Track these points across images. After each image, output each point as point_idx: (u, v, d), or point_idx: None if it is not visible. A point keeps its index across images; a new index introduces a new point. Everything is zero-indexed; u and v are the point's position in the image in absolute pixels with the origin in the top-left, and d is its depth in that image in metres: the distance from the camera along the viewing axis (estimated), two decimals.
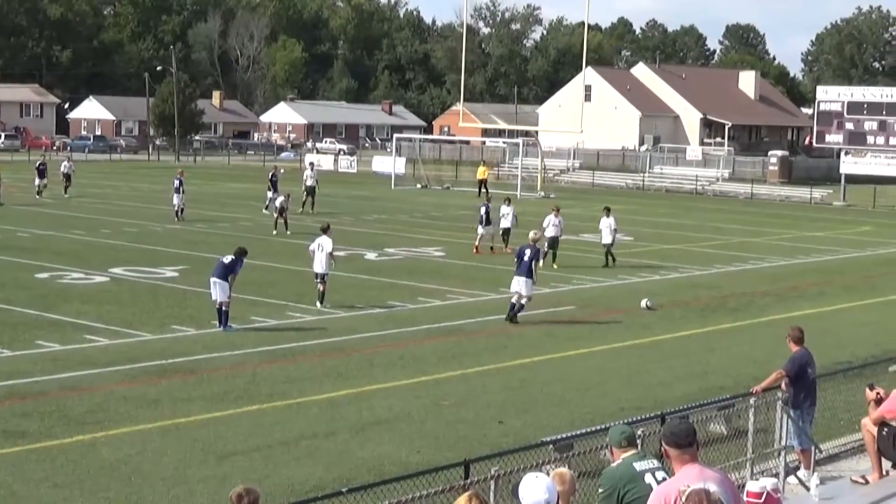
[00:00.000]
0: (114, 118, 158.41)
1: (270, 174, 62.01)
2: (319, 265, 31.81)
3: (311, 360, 25.33)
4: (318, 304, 31.64)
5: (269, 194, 56.69)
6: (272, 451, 18.49)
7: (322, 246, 31.79)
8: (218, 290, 28.38)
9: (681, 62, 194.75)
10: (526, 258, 30.59)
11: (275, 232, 49.70)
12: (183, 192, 55.27)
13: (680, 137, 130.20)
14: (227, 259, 28.91)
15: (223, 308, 28.38)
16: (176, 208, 55.37)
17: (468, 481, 11.77)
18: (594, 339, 28.68)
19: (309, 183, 62.40)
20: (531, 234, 32.71)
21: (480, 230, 45.48)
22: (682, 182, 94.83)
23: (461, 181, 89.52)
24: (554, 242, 41.87)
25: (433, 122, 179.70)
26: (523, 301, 30.58)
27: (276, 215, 51.01)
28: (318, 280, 31.89)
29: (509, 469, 12.10)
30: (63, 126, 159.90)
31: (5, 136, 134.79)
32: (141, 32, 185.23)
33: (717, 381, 24.39)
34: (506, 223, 45.30)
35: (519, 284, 30.55)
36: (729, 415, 17.48)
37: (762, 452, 16.96)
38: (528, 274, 30.48)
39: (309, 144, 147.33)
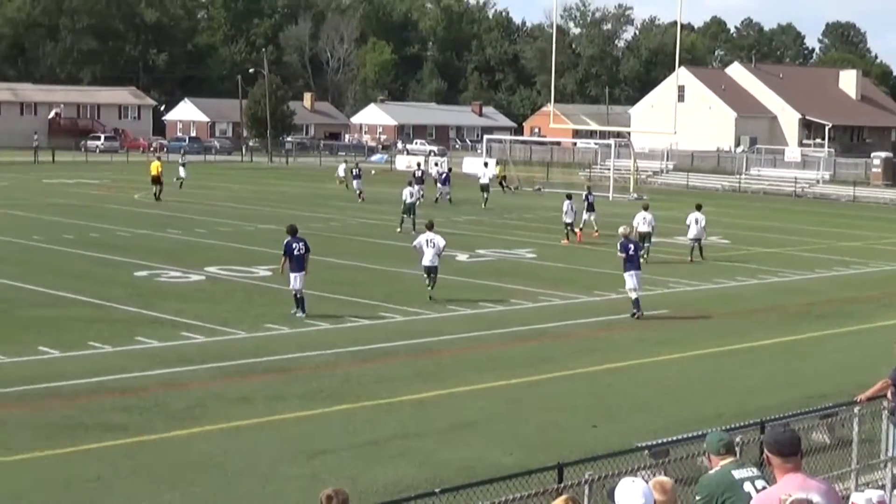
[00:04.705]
0: (208, 120, 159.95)
1: (413, 171, 68.36)
2: (430, 259, 32.76)
3: (402, 361, 25.41)
4: (429, 297, 32.56)
5: (412, 190, 54.92)
6: (363, 451, 18.57)
7: (434, 242, 32.75)
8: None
9: (777, 61, 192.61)
10: (631, 251, 31.42)
11: (399, 230, 50.41)
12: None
13: (777, 138, 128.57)
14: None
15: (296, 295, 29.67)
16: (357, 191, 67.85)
17: (562, 485, 11.75)
18: (687, 344, 28.41)
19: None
20: (621, 230, 33.08)
21: (585, 216, 50.20)
22: (781, 184, 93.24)
23: (552, 183, 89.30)
24: (645, 238, 42.61)
25: (523, 124, 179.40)
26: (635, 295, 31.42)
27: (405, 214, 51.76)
28: (429, 274, 32.86)
29: (603, 473, 12.05)
30: (159, 128, 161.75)
31: (105, 137, 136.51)
32: (234, 35, 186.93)
33: (817, 388, 23.92)
34: (568, 218, 48.69)
35: (634, 279, 31.31)
36: (832, 424, 16.91)
37: (867, 463, 16.36)
38: (640, 267, 31.70)
39: (399, 146, 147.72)
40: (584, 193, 52.89)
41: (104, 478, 16.72)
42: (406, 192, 52.38)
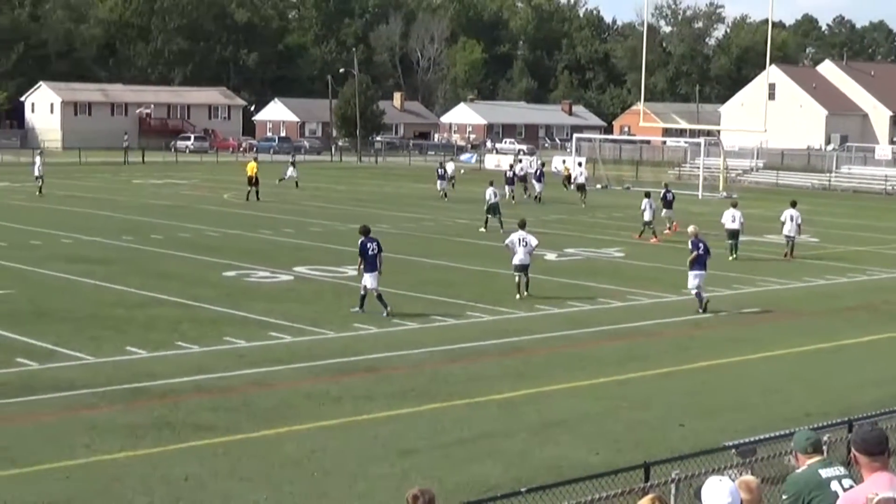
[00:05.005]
0: (298, 120, 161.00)
1: (536, 169, 70.66)
2: (522, 258, 33.04)
3: (491, 360, 25.39)
4: (524, 293, 32.89)
5: (495, 189, 54.16)
6: (451, 450, 18.57)
7: (526, 240, 33.08)
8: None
9: (869, 59, 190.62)
10: (701, 250, 31.63)
11: (483, 230, 50.59)
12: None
13: (868, 136, 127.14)
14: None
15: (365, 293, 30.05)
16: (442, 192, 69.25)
17: (648, 484, 11.69)
18: (778, 343, 28.14)
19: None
20: (690, 229, 33.22)
21: (665, 213, 51.00)
22: (871, 182, 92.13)
23: (641, 181, 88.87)
24: (734, 235, 43.31)
25: (613, 122, 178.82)
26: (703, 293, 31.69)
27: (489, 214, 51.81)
28: (521, 272, 33.09)
29: (690, 473, 11.98)
30: (249, 128, 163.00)
31: (194, 138, 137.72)
32: (324, 35, 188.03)
33: None
34: (647, 216, 49.20)
35: (697, 279, 31.61)
36: None
37: None
38: (706, 267, 31.89)
39: (488, 145, 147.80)
40: (662, 191, 53.15)
41: (193, 477, 16.84)
42: (489, 191, 52.38)
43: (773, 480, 12.40)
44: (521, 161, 79.84)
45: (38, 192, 65.33)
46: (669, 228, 49.96)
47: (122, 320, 28.43)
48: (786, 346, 27.91)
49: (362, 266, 29.94)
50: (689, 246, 32.10)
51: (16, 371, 22.88)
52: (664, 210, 51.48)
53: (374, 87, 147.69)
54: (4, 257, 38.99)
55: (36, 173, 66.84)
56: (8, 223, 50.10)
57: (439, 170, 72.93)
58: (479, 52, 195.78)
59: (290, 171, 77.95)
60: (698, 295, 31.69)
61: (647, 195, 50.44)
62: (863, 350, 27.87)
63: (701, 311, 31.47)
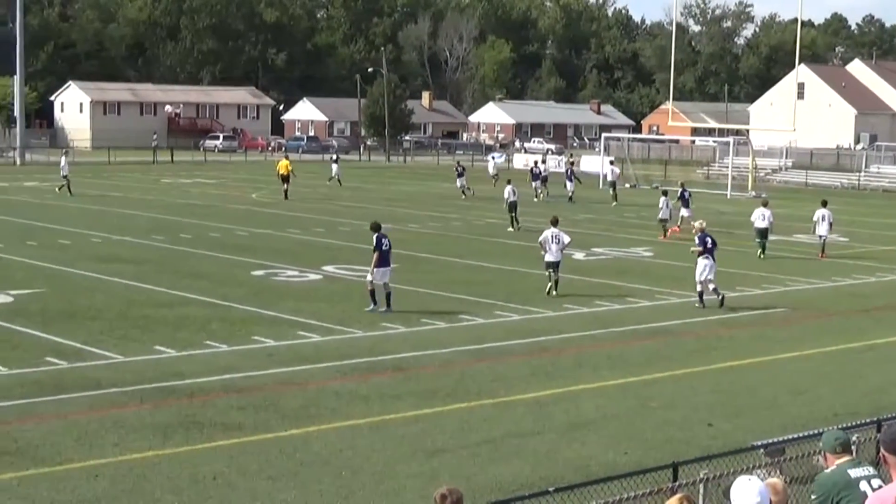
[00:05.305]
0: (326, 119, 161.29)
1: (566, 168, 72.10)
2: (555, 255, 33.45)
3: (519, 360, 25.37)
4: (552, 292, 33.15)
5: (513, 187, 53.86)
6: (479, 449, 18.56)
7: (559, 237, 33.49)
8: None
9: None
10: (709, 244, 32.23)
11: (512, 229, 51.00)
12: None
13: None
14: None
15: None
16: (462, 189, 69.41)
17: (676, 483, 11.67)
18: (806, 342, 28.07)
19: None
20: (697, 224, 34.05)
21: (684, 212, 50.86)
22: None
23: (670, 181, 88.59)
24: (763, 234, 43.48)
25: (642, 122, 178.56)
26: (712, 286, 32.14)
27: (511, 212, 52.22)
28: (553, 270, 33.41)
29: (718, 472, 11.95)
30: (278, 127, 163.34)
31: (223, 137, 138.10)
32: (353, 35, 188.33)
33: None
34: (663, 215, 49.92)
35: (707, 269, 32.09)
36: None
37: None
38: (714, 259, 32.31)
39: (517, 144, 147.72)
40: (679, 190, 53.27)
41: (221, 476, 16.89)
42: (507, 189, 52.57)
43: (802, 480, 12.40)
44: (545, 162, 79.91)
45: (58, 190, 65.59)
46: (678, 226, 49.88)
47: (150, 319, 28.51)
48: (814, 345, 27.83)
49: (377, 261, 30.11)
50: (696, 241, 32.79)
51: (45, 370, 22.97)
52: (682, 209, 51.42)
53: (402, 86, 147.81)
54: (34, 256, 39.16)
55: (62, 173, 67.17)
56: (38, 222, 50.32)
57: (457, 168, 73.62)
58: (508, 51, 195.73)
59: (335, 170, 79.01)
60: (706, 285, 32.26)
61: (664, 193, 51.15)
62: (892, 349, 27.75)
63: (718, 303, 32.03)
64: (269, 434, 18.99)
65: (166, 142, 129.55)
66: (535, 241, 35.29)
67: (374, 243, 30.26)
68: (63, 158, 69.61)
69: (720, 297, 32.04)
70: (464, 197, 68.67)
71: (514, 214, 51.41)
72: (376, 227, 30.80)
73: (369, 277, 30.22)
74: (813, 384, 23.91)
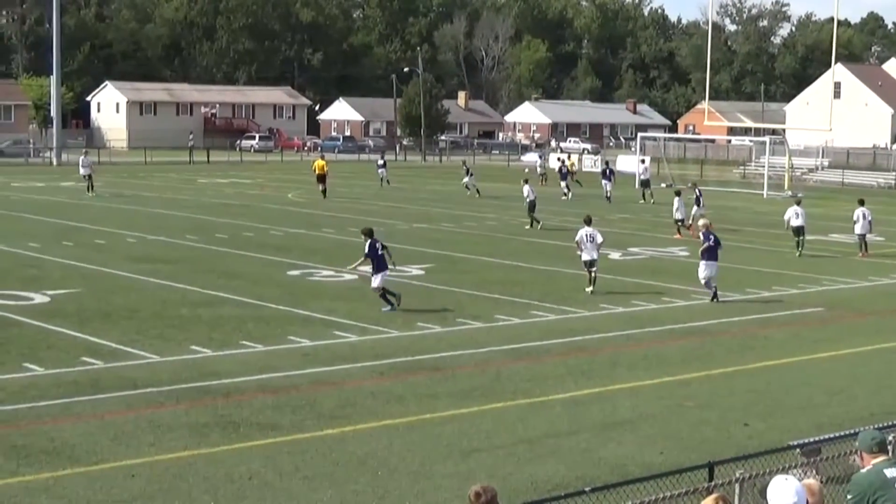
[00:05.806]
0: (362, 119, 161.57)
1: (603, 168, 71.36)
2: (591, 253, 33.75)
3: (555, 359, 25.33)
4: (589, 289, 33.44)
5: (531, 187, 54.29)
6: (515, 449, 18.54)
7: (593, 236, 33.80)
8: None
9: None
10: (712, 242, 32.54)
11: (531, 227, 51.21)
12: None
13: None
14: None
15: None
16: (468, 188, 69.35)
17: (712, 483, 11.63)
18: (842, 342, 27.93)
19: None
20: (701, 222, 34.66)
21: (696, 210, 50.71)
22: None
23: (706, 180, 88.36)
24: (800, 232, 43.38)
25: (678, 121, 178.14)
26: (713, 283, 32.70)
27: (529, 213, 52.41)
28: (590, 268, 33.73)
29: (754, 472, 11.90)
30: (314, 127, 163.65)
31: (259, 137, 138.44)
32: (389, 35, 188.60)
33: None
34: (679, 214, 50.04)
35: (706, 269, 32.50)
36: None
37: None
38: (716, 259, 32.72)
39: (553, 144, 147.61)
40: (695, 192, 53.34)
41: (257, 476, 16.91)
42: (526, 189, 52.65)
43: (838, 480, 12.33)
44: (569, 158, 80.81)
45: (90, 192, 65.73)
46: (688, 227, 49.73)
47: (186, 319, 28.60)
48: (850, 345, 27.69)
49: (371, 266, 30.35)
50: (701, 238, 33.21)
51: (82, 370, 23.06)
52: (695, 208, 51.21)
53: (438, 86, 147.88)
54: (70, 256, 39.35)
55: (81, 172, 67.48)
56: (74, 222, 50.57)
57: (465, 166, 75.08)
58: (544, 50, 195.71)
59: (382, 171, 79.35)
60: (707, 285, 32.64)
61: (678, 193, 51.19)
62: None
63: (714, 300, 32.46)
64: (305, 434, 19.01)
65: (202, 142, 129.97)
66: (566, 240, 35.44)
67: (368, 249, 30.31)
68: (82, 158, 69.60)
69: (713, 291, 32.63)
70: (468, 193, 69.68)
71: (532, 214, 51.68)
72: (369, 233, 30.82)
73: (375, 284, 30.23)
74: (849, 384, 23.78)
